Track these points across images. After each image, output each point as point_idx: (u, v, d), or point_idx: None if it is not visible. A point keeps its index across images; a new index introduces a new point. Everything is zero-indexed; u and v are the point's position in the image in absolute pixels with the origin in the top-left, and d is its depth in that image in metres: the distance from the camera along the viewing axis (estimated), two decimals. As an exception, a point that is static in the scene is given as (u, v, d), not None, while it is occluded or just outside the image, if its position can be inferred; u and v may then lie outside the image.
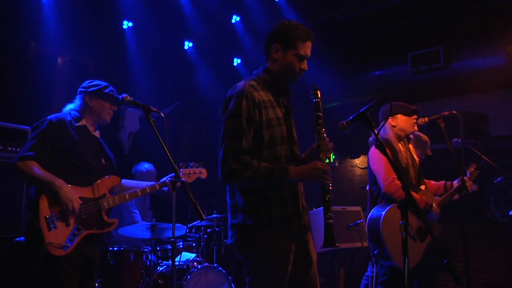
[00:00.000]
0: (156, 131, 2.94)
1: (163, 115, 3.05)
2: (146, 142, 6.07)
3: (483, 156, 4.45)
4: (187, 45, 7.32)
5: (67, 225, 2.94)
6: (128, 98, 3.09)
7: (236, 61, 7.80)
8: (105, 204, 3.14)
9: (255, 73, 2.69)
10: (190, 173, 3.60)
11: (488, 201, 6.50)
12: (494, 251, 5.73)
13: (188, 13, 6.59)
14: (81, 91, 3.30)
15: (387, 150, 3.64)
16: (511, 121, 6.43)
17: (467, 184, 4.03)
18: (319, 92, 2.64)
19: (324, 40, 6.52)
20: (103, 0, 6.05)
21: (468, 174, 4.17)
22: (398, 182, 3.59)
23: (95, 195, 3.11)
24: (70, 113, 3.23)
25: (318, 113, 2.59)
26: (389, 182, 3.63)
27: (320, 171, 2.47)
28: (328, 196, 2.50)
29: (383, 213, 3.61)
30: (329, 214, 2.49)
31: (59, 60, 5.99)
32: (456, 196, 4.03)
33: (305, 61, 2.63)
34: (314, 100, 2.63)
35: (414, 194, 3.67)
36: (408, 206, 2.24)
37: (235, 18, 7.04)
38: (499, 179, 4.91)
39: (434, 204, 3.80)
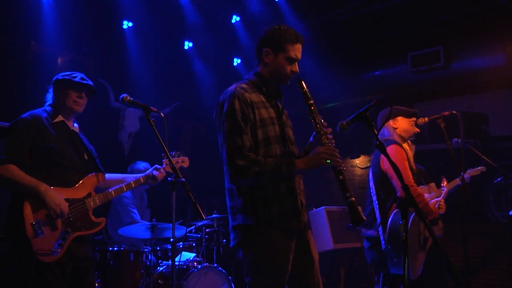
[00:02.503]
0: (156, 131, 2.94)
1: (163, 115, 3.04)
2: (146, 142, 6.07)
3: (483, 156, 4.44)
4: (187, 45, 7.32)
5: (55, 229, 2.83)
6: (128, 98, 3.05)
7: (236, 61, 7.79)
8: (92, 204, 3.02)
9: (246, 78, 2.75)
10: (173, 163, 3.52)
11: (488, 201, 6.49)
12: (494, 251, 5.73)
13: (188, 13, 6.60)
14: (52, 84, 3.15)
15: (403, 152, 3.66)
16: (511, 121, 6.43)
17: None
18: (303, 83, 2.66)
19: (324, 40, 6.52)
20: (103, 0, 6.05)
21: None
22: (417, 188, 3.57)
23: (80, 195, 3.00)
24: (45, 109, 3.08)
25: (309, 102, 2.63)
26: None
27: (325, 154, 2.49)
28: (341, 176, 2.51)
29: (410, 219, 3.49)
30: (348, 193, 2.49)
31: (59, 60, 5.99)
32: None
33: (296, 63, 2.67)
34: (302, 91, 2.65)
35: (430, 204, 3.66)
36: (408, 206, 2.24)
37: (235, 18, 7.03)
38: (499, 179, 4.90)
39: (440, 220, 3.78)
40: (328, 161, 2.49)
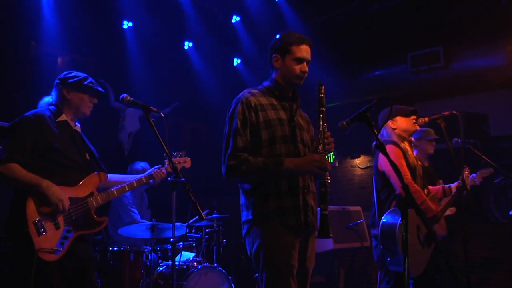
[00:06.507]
0: (156, 131, 2.94)
1: (163, 115, 3.04)
2: (146, 142, 6.07)
3: (483, 156, 4.44)
4: (187, 45, 7.32)
5: (57, 227, 2.83)
6: (128, 98, 3.04)
7: (236, 61, 7.80)
8: (94, 203, 3.03)
9: (263, 84, 2.89)
10: (175, 163, 3.53)
11: (488, 201, 6.49)
12: (494, 251, 5.73)
13: (188, 13, 6.60)
14: (57, 83, 3.15)
15: (400, 152, 3.66)
16: (511, 121, 6.43)
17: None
18: (323, 88, 2.73)
19: (324, 40, 6.52)
20: (103, 0, 6.05)
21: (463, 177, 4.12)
22: (415, 184, 3.56)
23: (83, 194, 3.00)
24: (48, 108, 3.08)
25: (321, 109, 2.70)
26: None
27: (317, 163, 2.58)
28: (323, 189, 2.60)
29: (400, 219, 3.52)
30: (323, 206, 2.59)
31: (59, 60, 5.99)
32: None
33: (305, 63, 2.76)
34: (318, 96, 2.72)
35: (429, 202, 3.64)
36: (409, 205, 2.24)
37: (235, 18, 7.04)
38: (499, 179, 4.91)
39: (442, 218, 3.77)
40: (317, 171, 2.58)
